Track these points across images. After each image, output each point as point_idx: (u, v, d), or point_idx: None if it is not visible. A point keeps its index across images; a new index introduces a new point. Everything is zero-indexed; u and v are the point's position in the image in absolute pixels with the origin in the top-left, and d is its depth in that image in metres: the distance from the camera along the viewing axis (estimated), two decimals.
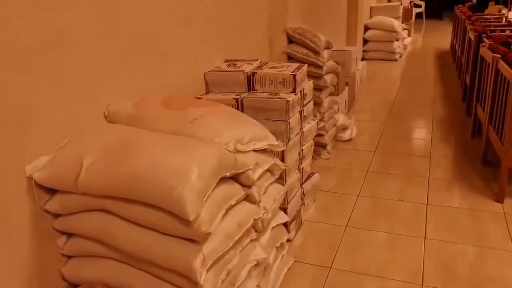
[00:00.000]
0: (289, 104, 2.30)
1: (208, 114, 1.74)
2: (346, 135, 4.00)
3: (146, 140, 1.50)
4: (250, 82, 2.48)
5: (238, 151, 1.63)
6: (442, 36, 10.86)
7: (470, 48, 4.67)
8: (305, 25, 4.37)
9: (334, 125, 3.86)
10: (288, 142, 2.37)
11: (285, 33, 3.49)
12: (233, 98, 2.40)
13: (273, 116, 2.35)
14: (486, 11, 12.04)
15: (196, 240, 1.39)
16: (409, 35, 9.93)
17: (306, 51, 3.42)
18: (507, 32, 6.94)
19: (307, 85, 2.60)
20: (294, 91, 2.40)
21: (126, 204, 1.43)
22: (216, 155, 1.46)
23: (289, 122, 2.33)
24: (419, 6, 13.37)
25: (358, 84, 5.64)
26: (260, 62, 2.66)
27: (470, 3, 8.53)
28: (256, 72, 2.45)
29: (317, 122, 2.81)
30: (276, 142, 1.85)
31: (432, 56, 8.24)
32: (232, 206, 1.56)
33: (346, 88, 4.74)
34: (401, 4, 9.19)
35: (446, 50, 8.75)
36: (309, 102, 2.66)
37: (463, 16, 6.30)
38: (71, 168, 1.46)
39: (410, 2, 11.80)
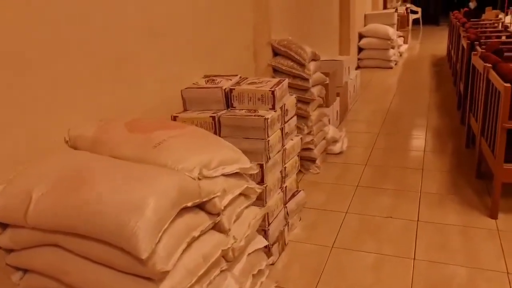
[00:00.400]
0: (267, 121, 2.20)
1: (174, 137, 1.64)
2: (336, 148, 3.90)
3: (101, 169, 1.40)
4: (228, 99, 2.38)
5: (204, 177, 1.53)
6: (439, 42, 10.78)
7: (463, 55, 4.57)
8: (295, 36, 4.29)
9: (324, 138, 3.76)
10: (268, 161, 2.27)
11: (269, 46, 3.40)
12: (210, 116, 2.30)
13: (251, 134, 2.25)
14: (484, 16, 11.99)
15: (152, 278, 1.28)
16: (405, 42, 9.85)
17: (292, 63, 3.32)
18: (503, 38, 6.85)
19: (289, 100, 2.51)
20: (273, 108, 2.31)
21: (79, 239, 1.33)
22: (176, 185, 1.36)
23: (268, 140, 2.23)
24: (415, 12, 13.32)
25: (351, 94, 5.55)
26: (240, 77, 2.57)
27: (466, 9, 8.45)
28: (234, 89, 2.36)
29: (301, 138, 2.71)
30: (248, 165, 1.75)
31: (428, 63, 8.15)
32: (196, 238, 1.45)
33: (338, 99, 4.65)
34: (396, 11, 9.12)
35: (442, 57, 8.66)
36: (291, 118, 2.56)
37: (457, 23, 6.21)
38: (20, 201, 1.36)
39: (406, 9, 11.75)
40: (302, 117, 3.44)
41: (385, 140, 4.20)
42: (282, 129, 2.42)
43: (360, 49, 7.90)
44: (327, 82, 3.69)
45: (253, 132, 2.24)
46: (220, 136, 2.32)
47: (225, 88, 2.38)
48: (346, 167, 3.65)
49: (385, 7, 10.85)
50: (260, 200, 2.30)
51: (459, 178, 3.31)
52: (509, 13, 11.37)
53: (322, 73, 3.95)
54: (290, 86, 3.40)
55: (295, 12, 4.27)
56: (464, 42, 4.51)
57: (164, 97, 2.34)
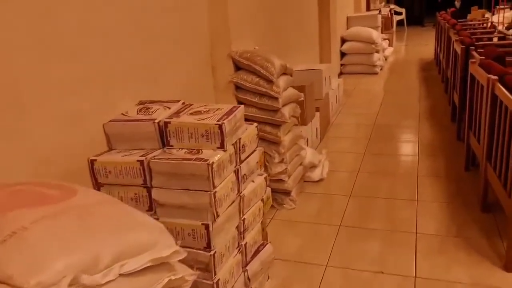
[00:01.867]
0: (212, 167, 1.62)
1: (43, 220, 1.05)
2: (315, 174, 3.33)
3: None
4: (164, 135, 1.80)
5: None
6: (425, 44, 10.34)
7: (457, 62, 4.06)
8: (266, 45, 3.73)
9: (301, 164, 3.20)
10: (216, 219, 1.69)
11: (230, 59, 2.83)
12: (137, 160, 1.72)
13: (191, 184, 1.67)
14: (469, 16, 11.59)
15: None
16: (390, 45, 9.36)
17: (257, 79, 2.75)
18: (495, 40, 6.38)
19: (247, 132, 1.93)
20: (222, 146, 1.73)
21: None
22: None
23: (215, 192, 1.65)
24: (399, 13, 12.89)
25: (334, 105, 5.00)
26: (183, 104, 1.99)
27: (453, 9, 8.00)
28: (169, 122, 1.78)
29: (266, 177, 2.13)
30: (168, 252, 1.16)
31: (416, 67, 7.66)
32: None
33: (317, 114, 4.09)
34: (379, 13, 8.64)
35: (430, 60, 8.18)
36: (250, 154, 1.98)
37: (446, 24, 5.72)
38: None
39: (390, 10, 11.29)
40: (272, 142, 2.88)
41: (372, 162, 3.65)
42: (237, 172, 1.85)
43: (343, 54, 7.38)
44: (302, 98, 3.13)
45: (194, 182, 1.66)
46: (152, 187, 1.74)
47: (159, 121, 1.80)
48: (327, 199, 3.09)
49: (368, 9, 10.37)
50: (208, 272, 1.72)
51: (461, 211, 2.76)
52: (495, 12, 10.98)
53: (297, 86, 3.39)
54: (256, 107, 2.83)
55: (265, 17, 3.71)
56: (457, 47, 3.99)
57: (79, 136, 1.75)
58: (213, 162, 1.63)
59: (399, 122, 4.67)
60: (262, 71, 2.71)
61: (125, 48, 2.01)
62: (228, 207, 1.78)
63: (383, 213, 2.82)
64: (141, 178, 1.73)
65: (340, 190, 3.19)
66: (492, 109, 2.53)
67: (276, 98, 2.73)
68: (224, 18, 2.74)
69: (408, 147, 3.97)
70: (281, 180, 2.91)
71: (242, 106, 1.92)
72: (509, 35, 6.11)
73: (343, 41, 7.36)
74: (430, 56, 8.51)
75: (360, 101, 5.63)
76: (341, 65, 7.37)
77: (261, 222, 2.16)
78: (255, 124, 2.06)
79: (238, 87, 2.86)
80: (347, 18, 7.81)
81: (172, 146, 1.79)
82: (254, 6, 3.40)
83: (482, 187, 2.71)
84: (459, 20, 8.42)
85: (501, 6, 10.45)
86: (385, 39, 8.80)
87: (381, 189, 3.15)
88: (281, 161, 2.89)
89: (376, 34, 7.16)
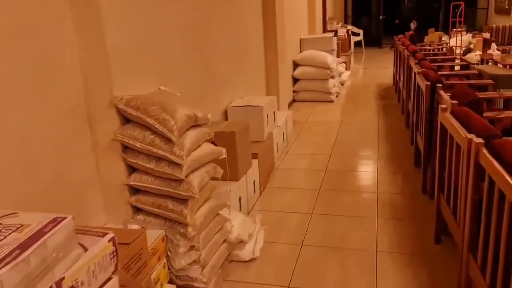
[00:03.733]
0: None
1: None
2: (245, 252, 2.53)
3: None
4: None
5: None
6: (383, 66, 9.89)
7: (421, 100, 3.40)
8: (192, 81, 2.94)
9: (224, 241, 2.39)
10: None
11: (113, 107, 2.00)
12: None
13: None
14: (426, 39, 11.31)
15: None
16: (347, 68, 8.81)
17: (152, 136, 1.94)
18: (457, 68, 5.88)
19: (86, 259, 1.10)
20: None
21: None
22: None
23: None
24: (357, 34, 12.50)
25: (279, 145, 4.25)
26: None
27: (411, 33, 7.54)
28: None
29: None
30: None
31: (374, 94, 7.07)
32: None
33: (256, 162, 3.32)
34: (336, 35, 8.08)
35: (388, 85, 7.64)
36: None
37: (406, 51, 5.13)
38: None
39: (347, 31, 10.84)
40: (178, 222, 2.06)
41: (320, 230, 2.89)
42: None
43: (295, 80, 6.70)
44: (224, 156, 2.33)
45: None
46: None
47: None
48: None
49: (324, 30, 9.84)
50: None
51: None
52: (452, 35, 10.73)
53: (225, 133, 2.62)
54: (153, 174, 2.01)
55: (184, 44, 2.91)
56: (420, 82, 3.34)
57: None
58: None
59: (355, 167, 3.96)
60: (157, 126, 1.89)
61: None
62: None
63: None
64: None
65: (277, 275, 2.39)
66: (476, 183, 1.82)
67: (179, 164, 1.91)
68: (100, 45, 1.91)
69: (364, 204, 3.24)
70: (191, 277, 2.08)
71: (70, 219, 1.09)
72: (473, 64, 5.62)
73: (296, 65, 6.69)
74: (389, 81, 7.99)
75: (311, 137, 4.91)
76: (294, 91, 6.68)
77: None
78: (110, 234, 1.23)
79: (127, 147, 2.03)
80: (300, 40, 7.17)
81: None
82: (161, 28, 2.60)
83: (464, 281, 1.99)
84: (417, 43, 7.99)
85: (458, 29, 10.21)
86: (342, 62, 8.23)
87: (330, 275, 2.38)
88: (192, 248, 2.07)
89: (331, 59, 6.53)
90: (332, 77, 6.63)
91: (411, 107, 4.33)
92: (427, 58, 4.86)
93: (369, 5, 14.61)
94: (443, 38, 11.68)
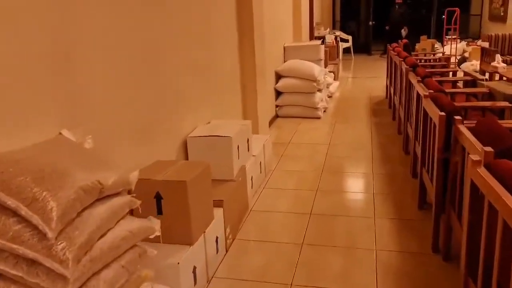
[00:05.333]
0: None
1: None
2: None
3: None
4: None
5: None
6: (374, 75, 9.24)
7: (430, 133, 2.69)
8: (137, 109, 2.22)
9: None
10: None
11: None
12: None
13: None
14: (418, 46, 10.71)
15: None
16: (335, 78, 8.13)
17: (18, 227, 1.18)
18: (461, 87, 5.21)
19: None
20: None
21: None
22: None
23: None
24: (346, 40, 11.85)
25: (255, 178, 3.51)
26: None
27: (405, 41, 6.89)
28: None
29: None
30: None
31: (365, 109, 6.38)
32: None
33: (220, 212, 2.57)
34: (323, 42, 7.39)
35: (381, 99, 6.96)
36: None
37: (404, 65, 4.43)
38: None
39: (336, 38, 10.18)
40: None
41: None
42: None
43: (278, 93, 5.98)
44: (158, 233, 1.57)
45: None
46: None
47: None
48: None
49: (312, 37, 9.15)
50: None
51: None
52: (446, 42, 10.14)
53: (174, 181, 1.90)
54: (25, 284, 1.24)
55: (118, 60, 2.16)
56: (432, 113, 2.62)
57: None
58: None
59: (347, 212, 3.23)
60: (23, 212, 1.13)
61: None
62: None
63: None
64: None
65: None
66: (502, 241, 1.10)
67: (63, 276, 1.15)
68: None
69: (360, 269, 2.51)
70: None
71: None
72: (480, 80, 4.94)
73: (279, 76, 5.97)
74: (381, 93, 7.31)
75: (294, 165, 4.18)
76: (276, 106, 5.96)
77: None
78: None
79: None
80: (284, 48, 6.46)
81: None
82: (72, 41, 1.84)
83: None
84: (410, 52, 7.34)
85: (452, 37, 9.62)
86: (329, 71, 7.54)
87: None
88: None
89: (318, 70, 5.82)
90: (319, 90, 5.92)
91: (411, 133, 3.64)
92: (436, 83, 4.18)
93: (358, 10, 14.00)
94: (435, 46, 11.12)
